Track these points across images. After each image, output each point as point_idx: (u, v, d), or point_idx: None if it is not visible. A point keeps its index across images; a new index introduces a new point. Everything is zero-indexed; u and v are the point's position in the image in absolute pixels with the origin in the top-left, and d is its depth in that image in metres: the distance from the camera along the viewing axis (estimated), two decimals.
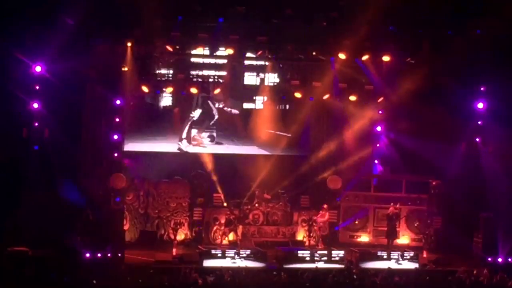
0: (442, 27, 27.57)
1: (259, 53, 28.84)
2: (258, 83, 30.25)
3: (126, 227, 28.12)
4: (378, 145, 32.12)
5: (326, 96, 30.32)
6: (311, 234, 28.55)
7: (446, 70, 28.33)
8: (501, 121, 29.10)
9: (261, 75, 30.22)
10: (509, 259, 27.01)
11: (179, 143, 30.76)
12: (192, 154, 30.96)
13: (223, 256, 25.22)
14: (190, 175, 30.45)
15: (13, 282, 22.10)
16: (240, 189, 30.23)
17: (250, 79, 30.31)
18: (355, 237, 30.31)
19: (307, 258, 25.74)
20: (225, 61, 29.58)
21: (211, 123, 31.17)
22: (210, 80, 29.82)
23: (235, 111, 31.09)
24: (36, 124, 26.92)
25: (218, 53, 28.97)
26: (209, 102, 30.99)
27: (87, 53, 26.83)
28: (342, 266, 25.42)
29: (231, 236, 28.45)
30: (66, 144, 26.85)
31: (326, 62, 29.45)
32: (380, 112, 31.52)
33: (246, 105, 31.33)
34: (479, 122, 30.21)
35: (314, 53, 29.20)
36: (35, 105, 26.73)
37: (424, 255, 27.92)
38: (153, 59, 28.64)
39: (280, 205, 29.91)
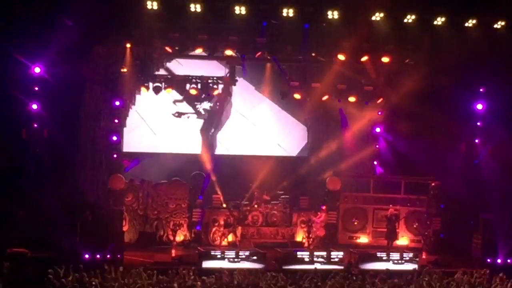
0: (442, 28, 27.54)
1: (259, 54, 28.84)
2: None
3: (125, 228, 28.12)
4: (377, 146, 32.17)
5: (325, 97, 30.32)
6: (310, 235, 28.56)
7: (445, 71, 28.33)
8: (500, 122, 29.12)
9: None
10: (508, 260, 26.98)
11: None
12: (191, 155, 30.99)
13: (222, 257, 25.20)
14: (189, 176, 30.48)
15: (12, 284, 22.08)
16: (239, 190, 30.25)
17: None
18: (354, 238, 30.32)
19: (307, 259, 25.71)
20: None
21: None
22: (209, 81, 29.85)
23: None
24: (35, 125, 26.87)
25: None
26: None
27: (86, 54, 26.84)
28: (342, 267, 25.42)
29: (230, 237, 28.48)
30: (65, 145, 26.82)
31: (325, 63, 29.48)
32: (379, 113, 31.58)
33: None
34: (478, 123, 30.22)
35: (313, 54, 29.23)
36: (34, 106, 26.68)
37: (423, 256, 27.90)
38: (152, 60, 28.64)
39: (279, 206, 29.92)
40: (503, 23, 27.36)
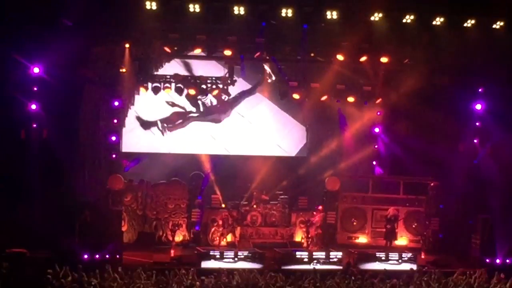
0: (440, 28, 27.55)
1: (257, 54, 28.84)
2: None
3: (124, 229, 28.12)
4: (376, 146, 32.17)
5: (324, 97, 30.33)
6: (309, 235, 28.57)
7: (444, 72, 28.35)
8: (499, 122, 29.13)
9: None
10: (507, 260, 27.00)
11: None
12: (190, 155, 31.00)
13: (221, 258, 25.21)
14: (188, 176, 30.49)
15: (11, 284, 22.08)
16: (238, 190, 30.26)
17: None
18: (353, 238, 30.32)
19: (305, 260, 25.72)
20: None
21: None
22: (208, 81, 29.85)
23: None
24: (34, 125, 26.87)
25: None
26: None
27: (85, 54, 26.85)
28: (340, 267, 25.43)
29: (229, 238, 28.46)
30: (64, 145, 26.83)
31: (324, 63, 29.49)
32: (378, 113, 31.59)
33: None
34: (477, 123, 30.21)
35: (312, 55, 29.24)
36: (33, 107, 26.70)
37: (422, 256, 27.89)
38: (151, 60, 28.65)
39: (278, 206, 29.92)
40: (501, 24, 27.37)
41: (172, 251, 26.94)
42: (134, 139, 30.82)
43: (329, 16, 26.75)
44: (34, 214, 25.56)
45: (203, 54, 28.97)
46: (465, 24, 27.35)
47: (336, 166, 30.97)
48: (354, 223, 30.42)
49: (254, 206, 29.66)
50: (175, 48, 28.19)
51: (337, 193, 30.39)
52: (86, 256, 24.45)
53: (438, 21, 27.22)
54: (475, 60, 27.70)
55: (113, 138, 28.65)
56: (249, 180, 30.29)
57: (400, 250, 27.55)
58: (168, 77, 29.43)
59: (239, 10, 26.13)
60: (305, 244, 28.60)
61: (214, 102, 31.32)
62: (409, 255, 26.49)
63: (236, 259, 25.23)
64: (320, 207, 29.37)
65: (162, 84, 29.23)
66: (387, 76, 29.55)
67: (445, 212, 30.23)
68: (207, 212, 29.24)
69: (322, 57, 29.33)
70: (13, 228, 25.07)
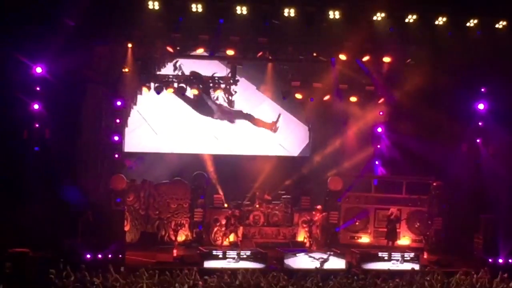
0: (443, 27, 27.54)
1: (260, 54, 28.84)
2: None
3: (126, 228, 28.13)
4: (379, 146, 32.14)
5: (326, 97, 30.33)
6: (311, 235, 28.56)
7: (446, 71, 28.32)
8: (501, 122, 29.12)
9: None
10: (510, 260, 26.91)
11: None
12: (192, 155, 31.00)
13: (224, 257, 25.22)
14: (191, 176, 30.49)
15: (13, 284, 22.09)
16: (240, 190, 30.26)
17: None
18: (355, 238, 30.32)
19: (309, 259, 25.70)
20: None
21: None
22: (211, 81, 29.87)
23: None
24: (37, 125, 26.88)
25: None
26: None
27: (88, 54, 26.82)
28: (343, 267, 25.43)
29: (231, 237, 28.45)
30: (66, 145, 26.87)
31: (326, 63, 29.48)
32: (381, 113, 31.54)
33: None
34: (480, 123, 30.21)
35: (314, 54, 29.23)
36: (36, 106, 26.70)
37: (425, 256, 27.89)
38: (153, 60, 28.65)
39: (280, 206, 29.91)
40: (504, 23, 27.36)
41: (174, 251, 26.93)
42: (136, 139, 30.81)
43: (331, 16, 26.76)
44: (37, 214, 25.52)
45: (205, 54, 28.96)
46: (467, 24, 27.34)
47: (338, 166, 30.95)
48: (357, 223, 30.41)
49: (257, 206, 29.67)
50: (178, 48, 28.19)
51: (340, 192, 30.38)
52: (88, 256, 24.43)
53: (440, 20, 27.22)
54: (478, 60, 27.68)
55: (116, 138, 28.69)
56: (251, 180, 30.28)
57: (403, 250, 27.55)
58: (171, 76, 29.46)
59: (241, 9, 26.14)
60: (307, 244, 28.60)
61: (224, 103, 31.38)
62: (412, 255, 26.49)
63: (238, 259, 25.22)
64: (319, 207, 29.33)
65: (164, 84, 29.24)
66: (390, 76, 29.54)
67: (447, 211, 30.20)
68: (209, 212, 29.26)
69: (325, 56, 29.31)
70: (16, 228, 25.06)
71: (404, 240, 29.87)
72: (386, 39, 27.66)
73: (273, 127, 31.77)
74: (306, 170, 31.39)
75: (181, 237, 28.64)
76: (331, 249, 26.96)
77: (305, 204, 30.16)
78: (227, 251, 25.55)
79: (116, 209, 27.35)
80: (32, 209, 25.65)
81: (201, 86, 29.83)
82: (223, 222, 28.54)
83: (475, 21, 27.25)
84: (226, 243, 28.20)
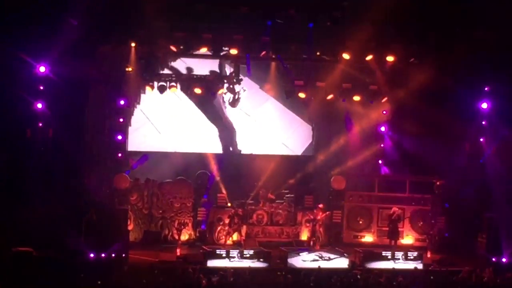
0: (446, 27, 27.52)
1: (263, 53, 28.83)
2: None
3: (130, 227, 28.17)
4: (382, 145, 32.15)
5: (330, 96, 30.32)
6: (315, 234, 28.54)
7: (450, 70, 28.30)
8: (505, 121, 29.11)
9: None
10: None
11: None
12: (196, 154, 31.02)
13: (227, 256, 25.21)
14: (194, 175, 30.52)
15: (17, 283, 22.12)
16: (244, 189, 30.26)
17: None
18: (359, 237, 30.31)
19: (311, 258, 25.69)
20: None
21: None
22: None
23: None
24: (40, 124, 26.90)
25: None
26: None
27: (91, 53, 26.88)
28: (346, 266, 25.43)
29: (235, 236, 28.41)
30: (70, 144, 26.87)
31: (330, 62, 29.48)
32: (384, 112, 31.54)
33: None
34: (483, 122, 30.20)
35: (318, 53, 29.22)
36: (39, 106, 26.73)
37: (428, 255, 27.86)
38: (157, 59, 28.66)
39: (284, 205, 29.91)
40: None
41: (178, 250, 26.94)
42: (140, 138, 30.84)
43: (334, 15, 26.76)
44: (40, 213, 25.55)
45: (209, 53, 28.95)
46: (471, 23, 27.34)
47: (342, 165, 30.95)
48: (360, 222, 30.41)
49: (260, 205, 29.66)
50: (181, 47, 28.19)
51: (343, 192, 30.38)
52: (92, 255, 24.44)
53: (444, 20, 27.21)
54: (481, 59, 27.64)
55: (119, 137, 28.72)
56: (255, 179, 30.29)
57: (406, 249, 27.51)
58: (174, 76, 29.47)
59: (245, 9, 26.12)
60: (311, 243, 28.57)
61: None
62: (415, 254, 26.45)
63: (242, 258, 25.22)
64: (321, 205, 29.26)
65: (168, 83, 29.26)
66: (393, 75, 29.52)
67: (451, 211, 30.18)
68: (213, 211, 29.25)
69: (328, 56, 29.31)
70: (19, 227, 25.07)
71: (408, 239, 29.86)
72: (390, 38, 27.65)
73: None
74: (310, 169, 31.41)
75: (184, 236, 28.65)
76: (334, 248, 26.93)
77: (308, 203, 30.14)
78: (231, 250, 25.54)
79: (119, 208, 27.37)
80: (35, 209, 25.67)
81: (204, 85, 29.79)
82: (227, 221, 28.52)
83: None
84: (229, 242, 28.16)
